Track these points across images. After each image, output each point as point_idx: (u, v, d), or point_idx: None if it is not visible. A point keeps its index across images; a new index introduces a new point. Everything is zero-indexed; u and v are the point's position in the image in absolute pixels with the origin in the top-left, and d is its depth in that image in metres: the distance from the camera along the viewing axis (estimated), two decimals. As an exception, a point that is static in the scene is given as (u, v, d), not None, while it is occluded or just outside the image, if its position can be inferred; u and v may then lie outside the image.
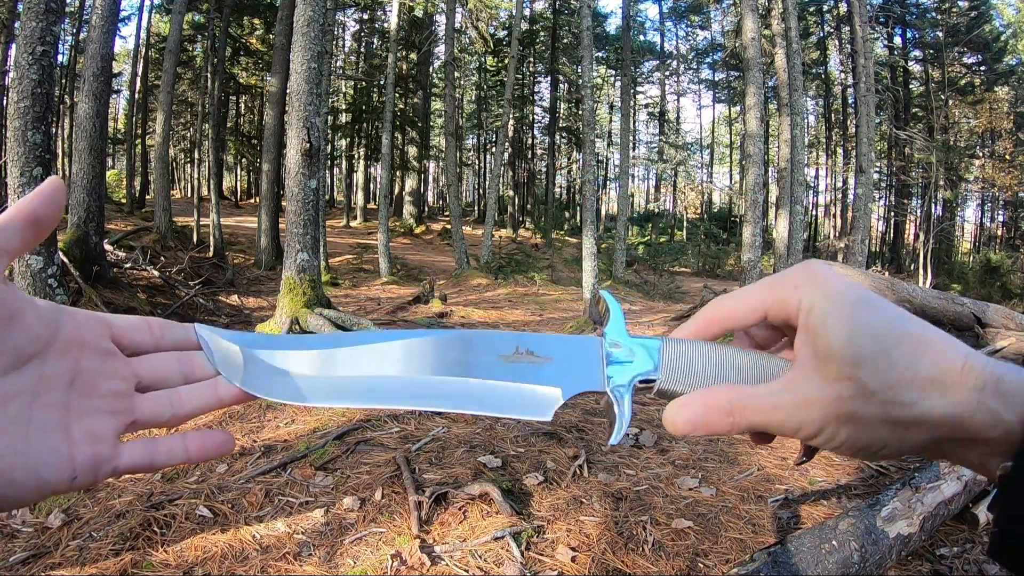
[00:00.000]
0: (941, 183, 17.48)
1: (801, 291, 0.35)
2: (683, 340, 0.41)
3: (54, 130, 4.99)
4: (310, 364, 0.41)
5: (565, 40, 24.41)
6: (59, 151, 15.14)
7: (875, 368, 0.31)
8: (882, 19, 20.71)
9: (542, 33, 25.99)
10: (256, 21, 21.20)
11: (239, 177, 29.98)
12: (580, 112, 14.75)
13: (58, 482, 0.32)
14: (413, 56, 23.23)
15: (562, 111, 26.50)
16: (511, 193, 28.67)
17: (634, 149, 29.18)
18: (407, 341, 0.42)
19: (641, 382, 0.42)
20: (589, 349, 0.43)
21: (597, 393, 0.42)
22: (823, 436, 0.34)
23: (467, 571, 2.04)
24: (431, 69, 26.61)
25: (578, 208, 25.64)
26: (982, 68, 20.99)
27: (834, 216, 27.04)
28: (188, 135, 23.78)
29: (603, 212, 29.14)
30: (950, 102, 19.61)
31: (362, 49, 26.80)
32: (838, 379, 0.32)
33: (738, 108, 27.12)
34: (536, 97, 29.20)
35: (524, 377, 0.42)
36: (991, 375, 0.31)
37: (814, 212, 27.53)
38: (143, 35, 18.03)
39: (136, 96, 18.44)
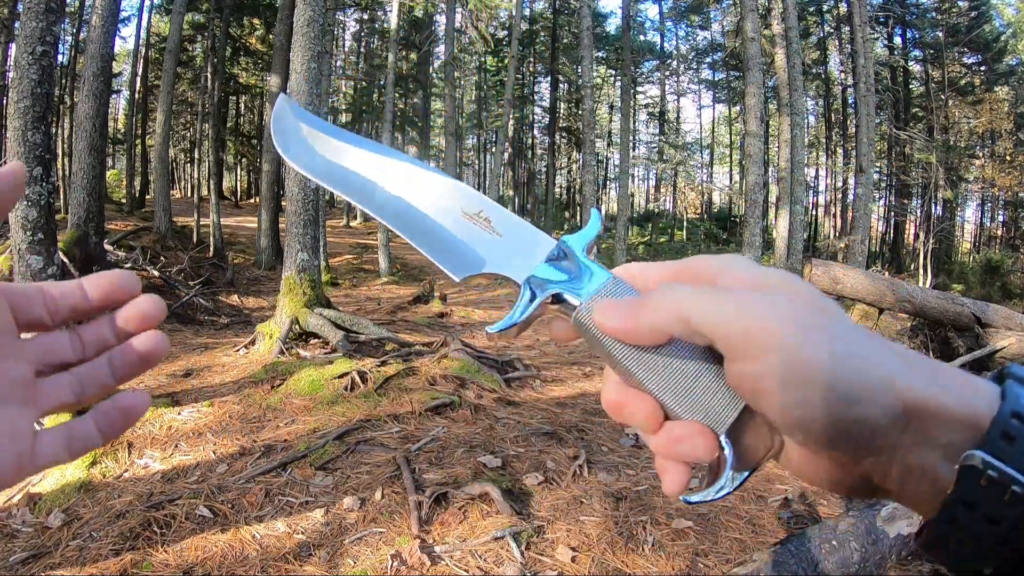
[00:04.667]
0: (941, 183, 17.48)
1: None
2: (629, 288, 0.38)
3: (54, 130, 4.99)
4: (334, 152, 0.46)
5: (565, 40, 24.41)
6: (59, 151, 15.14)
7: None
8: (882, 19, 20.70)
9: (542, 33, 25.99)
10: (256, 21, 21.18)
11: (239, 177, 29.98)
12: (580, 112, 14.75)
13: None
14: (413, 56, 23.23)
15: (562, 111, 26.51)
16: (511, 193, 28.65)
17: (634, 149, 29.18)
18: (413, 168, 0.46)
19: (559, 297, 0.39)
20: (538, 244, 0.41)
21: (513, 282, 0.41)
22: (772, 359, 0.28)
23: (467, 571, 2.04)
24: (431, 69, 26.60)
25: (578, 208, 25.63)
26: (982, 68, 20.98)
27: (834, 216, 27.03)
28: (188, 135, 23.78)
29: (603, 212, 29.07)
30: (950, 102, 19.60)
31: (362, 49, 26.81)
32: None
33: (738, 108, 27.12)
34: (536, 97, 29.20)
35: (468, 236, 0.43)
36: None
37: (814, 212, 27.52)
38: (143, 35, 18.02)
39: (136, 96, 18.43)
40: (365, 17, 24.32)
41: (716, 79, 29.11)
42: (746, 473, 0.34)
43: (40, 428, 0.31)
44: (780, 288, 0.31)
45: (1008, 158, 18.58)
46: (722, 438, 0.34)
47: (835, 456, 0.30)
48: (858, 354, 0.28)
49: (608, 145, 29.67)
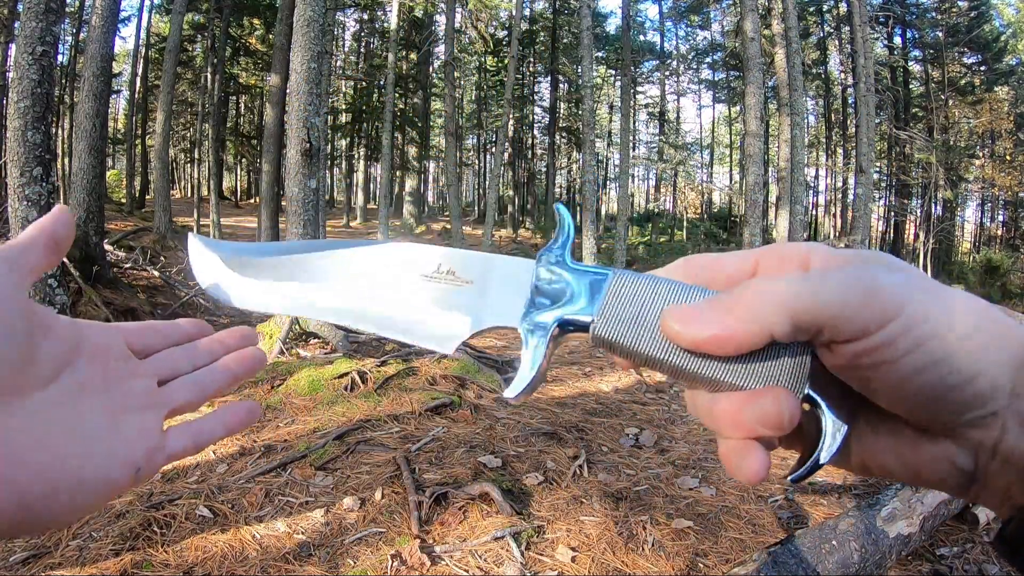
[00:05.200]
0: (941, 183, 17.47)
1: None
2: (641, 275, 0.33)
3: (54, 130, 5.00)
4: (267, 271, 0.42)
5: (565, 40, 24.41)
6: (59, 151, 15.13)
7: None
8: (882, 19, 20.69)
9: (542, 33, 25.98)
10: (256, 21, 21.17)
11: (239, 177, 29.97)
12: (580, 112, 14.77)
13: (123, 477, 0.34)
14: (413, 56, 23.23)
15: (562, 111, 26.49)
16: (511, 193, 28.66)
17: (634, 149, 29.19)
18: (348, 251, 0.41)
19: (569, 324, 0.34)
20: (516, 274, 0.36)
21: (511, 329, 0.35)
22: (898, 324, 0.27)
23: (467, 571, 2.04)
24: (431, 69, 26.59)
25: (578, 208, 25.63)
26: (982, 68, 20.97)
27: (834, 216, 27.02)
28: (188, 135, 23.78)
29: (603, 212, 29.14)
30: (950, 102, 19.59)
31: (362, 49, 26.79)
32: None
33: (738, 108, 27.12)
34: (536, 97, 29.19)
35: (438, 301, 0.37)
36: None
37: (814, 212, 27.50)
38: (143, 35, 18.03)
39: (136, 96, 18.44)
40: (365, 17, 24.32)
41: (716, 79, 29.09)
42: (847, 425, 0.30)
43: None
44: (878, 261, 0.30)
45: (1008, 158, 18.57)
46: (807, 391, 0.30)
47: (945, 429, 0.29)
48: (979, 307, 0.28)
49: (608, 145, 29.65)
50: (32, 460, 0.29)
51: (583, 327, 0.33)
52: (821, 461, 0.30)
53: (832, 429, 0.30)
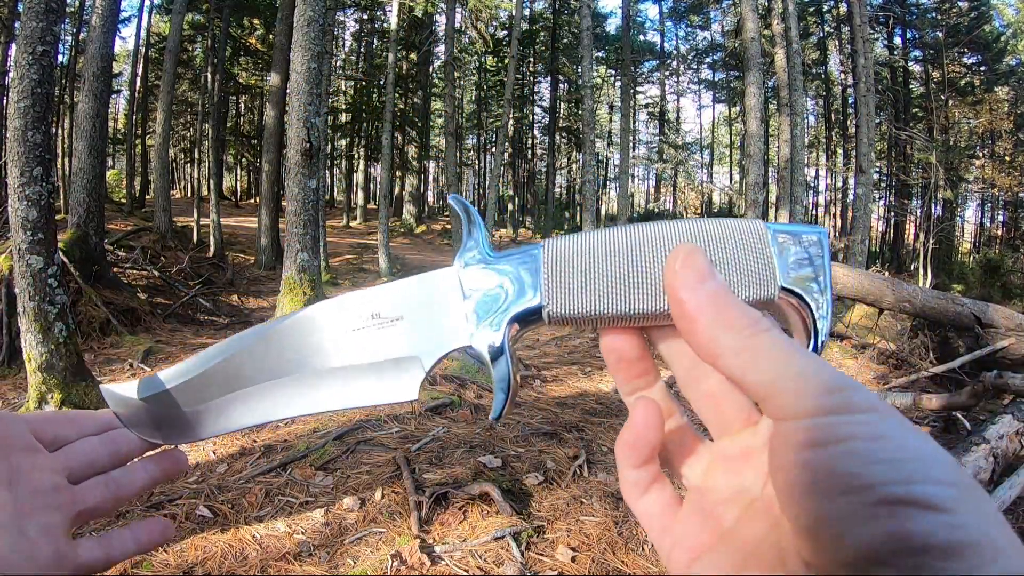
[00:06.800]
0: (941, 183, 17.46)
1: None
2: (570, 236, 0.31)
3: (54, 130, 5.01)
4: (187, 398, 0.38)
5: (565, 40, 24.42)
6: (59, 151, 15.13)
7: None
8: (882, 19, 20.70)
9: (542, 33, 25.99)
10: (256, 21, 21.18)
11: (239, 177, 29.98)
12: (580, 112, 14.77)
13: None
14: (413, 56, 23.22)
15: (562, 111, 26.50)
16: (511, 193, 28.66)
17: (634, 149, 29.20)
18: (257, 342, 0.36)
19: (521, 318, 0.31)
20: (443, 288, 0.32)
21: (463, 348, 0.32)
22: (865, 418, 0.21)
23: (467, 571, 2.04)
24: (431, 69, 26.60)
25: (578, 208, 25.62)
26: (982, 68, 20.97)
27: (834, 216, 27.03)
28: (188, 135, 23.79)
29: (603, 212, 29.14)
30: (950, 102, 19.59)
31: (362, 49, 26.79)
32: None
33: (738, 108, 27.12)
34: (536, 97, 29.21)
35: (376, 352, 0.34)
36: None
37: (814, 212, 27.50)
38: (143, 35, 18.02)
39: (136, 96, 18.44)
40: (365, 17, 24.32)
41: (716, 79, 29.11)
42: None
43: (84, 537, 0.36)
44: None
45: (1008, 158, 18.57)
46: (783, 285, 0.29)
47: None
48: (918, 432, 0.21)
49: (608, 145, 29.66)
50: None
51: (536, 313, 0.30)
52: (817, 349, 0.29)
53: (817, 317, 0.29)
